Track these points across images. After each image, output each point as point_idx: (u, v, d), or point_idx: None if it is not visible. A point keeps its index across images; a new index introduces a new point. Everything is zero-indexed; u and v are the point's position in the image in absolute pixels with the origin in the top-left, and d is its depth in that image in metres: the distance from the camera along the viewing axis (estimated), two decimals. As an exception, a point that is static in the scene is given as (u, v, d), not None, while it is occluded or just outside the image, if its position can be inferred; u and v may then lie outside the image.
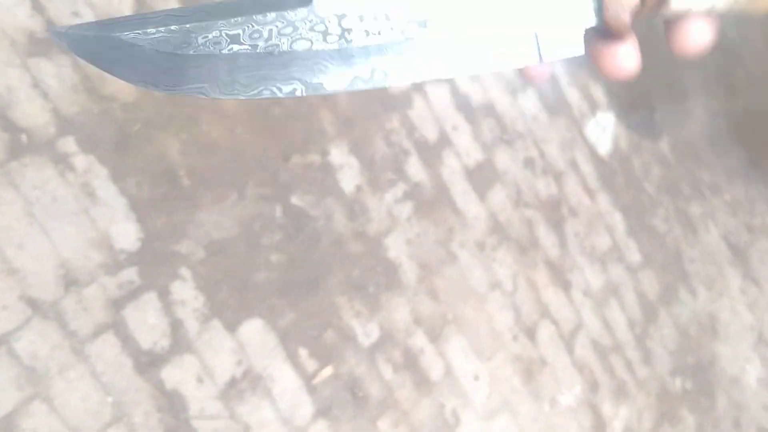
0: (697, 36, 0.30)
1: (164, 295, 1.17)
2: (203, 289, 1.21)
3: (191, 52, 0.30)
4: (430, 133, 1.50)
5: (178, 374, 1.18)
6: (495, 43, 0.30)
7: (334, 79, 0.30)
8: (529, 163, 1.66)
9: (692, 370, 1.88)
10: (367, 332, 1.39)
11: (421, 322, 1.46)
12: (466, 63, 0.30)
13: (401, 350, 1.43)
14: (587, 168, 1.76)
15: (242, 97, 0.31)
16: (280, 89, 0.30)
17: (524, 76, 0.33)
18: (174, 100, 1.19)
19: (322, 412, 1.31)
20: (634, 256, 1.82)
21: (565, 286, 1.69)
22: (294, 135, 1.32)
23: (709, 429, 1.88)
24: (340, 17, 0.30)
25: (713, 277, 1.97)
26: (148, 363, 1.15)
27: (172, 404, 1.17)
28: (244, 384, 1.23)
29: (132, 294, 1.14)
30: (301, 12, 0.30)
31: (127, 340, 1.13)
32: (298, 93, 0.30)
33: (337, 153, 1.37)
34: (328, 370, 1.33)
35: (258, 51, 0.30)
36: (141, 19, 0.31)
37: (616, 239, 1.80)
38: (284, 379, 1.28)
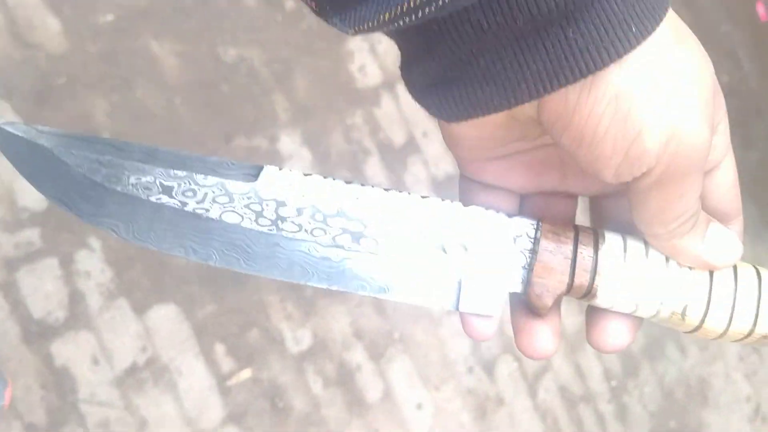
0: (615, 336, 0.30)
1: (67, 263, 1.08)
2: (113, 263, 1.11)
3: (119, 189, 0.29)
4: (397, 136, 1.40)
5: (70, 351, 1.07)
6: (419, 277, 0.30)
7: (252, 261, 0.30)
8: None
9: (676, 436, 1.70)
10: (297, 338, 1.27)
11: (361, 336, 1.33)
12: (383, 287, 0.30)
13: (335, 364, 1.30)
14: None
15: (152, 247, 0.30)
16: (195, 252, 0.30)
17: (466, 329, 0.31)
18: (109, 60, 1.12)
19: (234, 417, 1.19)
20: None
21: (535, 322, 1.54)
22: (241, 115, 1.24)
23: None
24: (279, 203, 0.30)
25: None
26: (37, 333, 1.05)
27: (59, 383, 1.06)
28: (146, 373, 1.12)
29: (29, 256, 1.05)
30: (243, 187, 0.30)
31: (16, 305, 1.04)
32: (211, 262, 0.30)
33: (287, 141, 1.28)
34: (246, 373, 1.21)
35: (185, 209, 0.29)
36: (83, 141, 0.29)
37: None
38: (194, 375, 1.16)
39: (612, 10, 0.22)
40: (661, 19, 0.23)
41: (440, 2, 0.21)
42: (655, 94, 0.23)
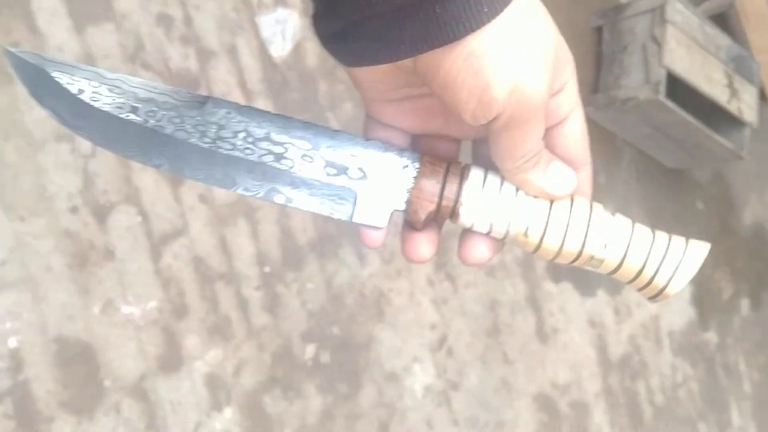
0: (476, 251, 0.38)
1: None
2: None
3: (97, 106, 0.36)
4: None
5: None
6: (324, 192, 0.37)
7: (194, 170, 0.37)
8: (164, 19, 1.37)
9: (336, 345, 1.54)
10: None
11: None
12: (291, 198, 0.37)
13: None
14: (251, 63, 1.48)
15: (119, 154, 0.37)
16: (150, 159, 0.37)
17: (362, 238, 0.39)
18: None
19: None
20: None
21: (176, 180, 1.36)
22: None
23: (339, 420, 1.52)
24: (219, 127, 0.36)
25: (394, 249, 1.67)
26: None
27: None
28: None
29: None
30: (192, 111, 0.36)
31: None
32: (162, 169, 0.37)
33: None
34: None
35: (147, 125, 0.36)
36: (74, 67, 0.37)
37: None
38: None
39: None
40: (509, 2, 0.29)
41: None
42: (502, 55, 0.30)
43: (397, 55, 0.31)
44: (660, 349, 2.29)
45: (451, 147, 0.40)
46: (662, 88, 1.98)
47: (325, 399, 1.50)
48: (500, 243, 0.38)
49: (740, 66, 2.23)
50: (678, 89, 2.51)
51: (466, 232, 0.38)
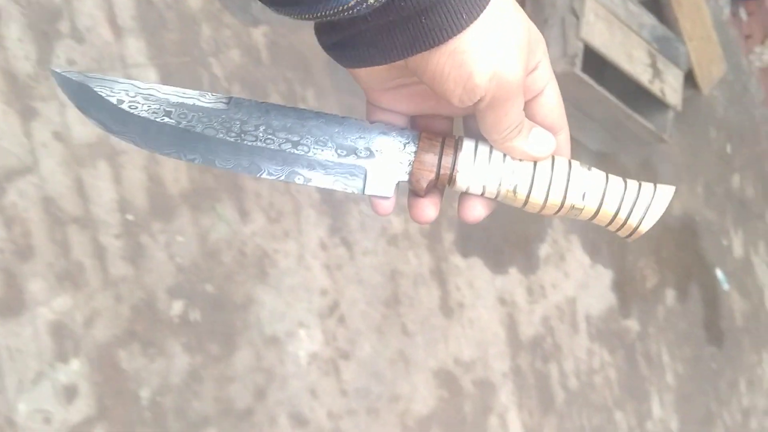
0: (472, 210, 0.43)
1: None
2: None
3: (135, 113, 0.41)
4: None
5: None
6: (338, 170, 0.42)
7: (223, 161, 0.42)
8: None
9: (208, 303, 1.45)
10: None
11: None
12: (309, 178, 0.42)
13: None
14: (121, -2, 1.39)
15: (157, 153, 0.42)
16: (185, 155, 0.42)
17: (374, 208, 0.44)
18: None
19: None
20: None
21: (28, 114, 1.26)
22: None
23: (209, 382, 1.43)
24: (243, 122, 0.42)
25: (282, 209, 1.58)
26: None
27: None
28: None
29: None
30: (218, 110, 0.42)
31: None
32: (196, 162, 0.42)
33: None
34: None
35: (180, 126, 0.41)
36: (113, 81, 0.42)
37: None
38: None
39: (451, 5, 0.33)
40: (484, 7, 0.34)
41: (345, 14, 0.33)
42: (480, 48, 0.35)
43: (390, 58, 0.36)
44: (576, 332, 2.23)
45: (445, 123, 0.45)
46: (578, 61, 1.93)
47: (193, 359, 1.41)
48: (493, 201, 0.43)
49: (665, 47, 2.19)
50: (606, 72, 2.46)
51: (464, 195, 0.43)
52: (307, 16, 0.34)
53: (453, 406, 1.86)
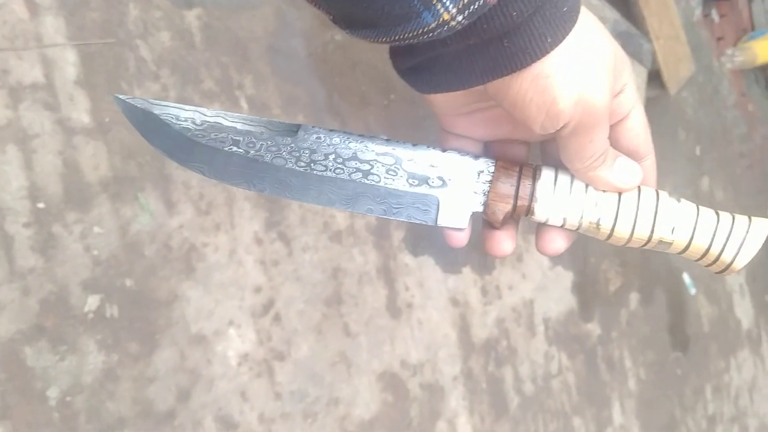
0: (552, 243, 0.41)
1: None
2: None
3: (203, 142, 0.40)
4: None
5: None
6: (410, 201, 0.40)
7: (293, 191, 0.40)
8: None
9: (127, 299, 1.36)
10: None
11: None
12: (385, 210, 0.40)
13: None
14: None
15: (226, 183, 0.40)
16: (254, 185, 0.40)
17: (447, 239, 0.41)
18: None
19: None
20: (82, 117, 1.34)
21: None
22: None
23: (126, 381, 1.34)
24: (311, 151, 0.40)
25: (213, 200, 1.50)
26: None
27: None
28: None
29: None
30: (287, 139, 0.40)
31: None
32: (265, 193, 0.40)
33: None
34: None
35: (248, 156, 0.39)
36: (178, 108, 0.40)
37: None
38: None
39: (535, 27, 0.31)
40: (570, 30, 0.32)
41: (424, 37, 0.30)
42: (565, 73, 0.32)
43: (469, 83, 0.34)
44: (533, 335, 2.16)
45: (521, 149, 0.42)
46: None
47: (109, 357, 1.32)
48: (574, 233, 0.41)
49: (627, 42, 2.12)
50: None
51: (542, 226, 0.41)
52: (384, 39, 0.31)
53: (398, 411, 1.78)
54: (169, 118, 0.40)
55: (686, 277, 2.75)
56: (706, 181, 3.00)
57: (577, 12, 0.33)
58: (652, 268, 2.66)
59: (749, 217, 0.39)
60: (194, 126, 0.40)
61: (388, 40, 0.32)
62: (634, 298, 2.56)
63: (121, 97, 0.40)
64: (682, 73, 2.52)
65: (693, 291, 2.74)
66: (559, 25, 0.32)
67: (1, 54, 1.23)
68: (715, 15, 3.02)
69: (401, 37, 0.31)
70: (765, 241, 0.39)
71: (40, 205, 1.27)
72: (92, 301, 1.31)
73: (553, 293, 2.24)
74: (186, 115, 0.40)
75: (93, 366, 1.30)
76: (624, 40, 2.12)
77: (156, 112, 0.40)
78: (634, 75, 1.97)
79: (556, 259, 2.27)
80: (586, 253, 2.40)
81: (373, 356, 1.74)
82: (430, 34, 0.31)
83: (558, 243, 0.41)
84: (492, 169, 0.40)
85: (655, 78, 2.44)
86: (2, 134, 1.23)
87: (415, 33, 0.31)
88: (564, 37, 0.32)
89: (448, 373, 1.90)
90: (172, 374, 1.40)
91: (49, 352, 1.25)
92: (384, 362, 1.76)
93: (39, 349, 1.24)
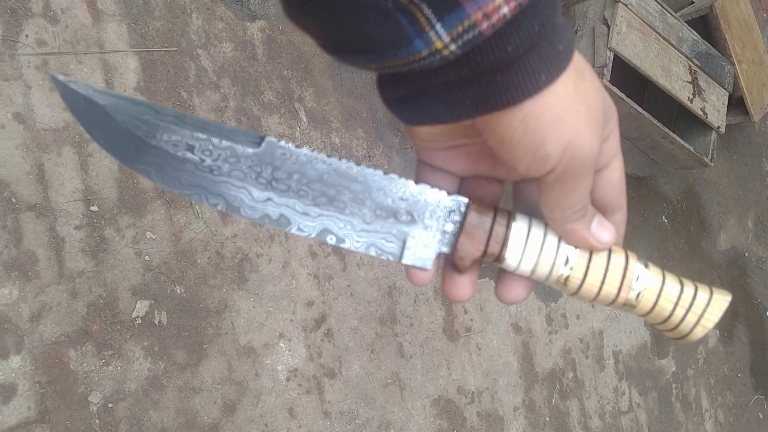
0: (514, 291, 0.37)
1: None
2: None
3: (153, 143, 0.34)
4: None
5: None
6: (374, 235, 0.36)
7: (250, 210, 0.34)
8: None
9: (177, 306, 1.28)
10: None
11: None
12: (343, 239, 0.35)
13: None
14: (104, -18, 1.27)
15: (175, 191, 0.34)
16: (207, 198, 0.34)
17: (409, 278, 0.37)
18: None
19: None
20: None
21: (-10, 93, 1.14)
22: None
23: (171, 391, 1.25)
24: (274, 168, 0.34)
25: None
26: None
27: None
28: None
29: None
30: (248, 151, 0.34)
31: None
32: (219, 207, 0.34)
33: None
34: None
35: (204, 164, 0.34)
36: (128, 101, 0.34)
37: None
38: None
39: (530, 63, 0.28)
40: (564, 69, 0.29)
41: (415, 65, 0.28)
42: (557, 115, 0.30)
43: (457, 116, 0.31)
44: (601, 368, 1.95)
45: (496, 188, 0.39)
46: (607, 72, 1.70)
47: (155, 365, 1.24)
48: (535, 283, 0.38)
49: (707, 64, 1.93)
50: (648, 93, 2.21)
51: (506, 273, 0.38)
52: (373, 65, 0.29)
53: (453, 439, 1.62)
54: (115, 111, 0.34)
55: (770, 315, 2.46)
56: (793, 215, 2.70)
57: (572, 52, 0.30)
58: (732, 304, 2.39)
59: (711, 290, 0.37)
60: (144, 124, 0.34)
61: (376, 66, 0.29)
62: (712, 334, 2.30)
63: (60, 78, 0.34)
64: (766, 99, 2.28)
65: (778, 330, 2.45)
66: (554, 63, 0.29)
67: (61, 57, 1.19)
68: (803, 42, 2.75)
69: (391, 64, 0.28)
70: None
71: (94, 209, 1.21)
72: (141, 307, 1.24)
73: (625, 325, 2.03)
74: (137, 110, 0.34)
75: (138, 373, 1.22)
76: (704, 61, 1.93)
77: (101, 102, 0.34)
78: (714, 97, 1.77)
79: (627, 289, 2.06)
80: (661, 284, 2.18)
81: (427, 380, 1.60)
82: (421, 62, 0.28)
83: (520, 292, 0.37)
84: (464, 209, 0.36)
85: (738, 104, 2.22)
86: (59, 137, 1.19)
87: (405, 60, 0.28)
88: (558, 76, 0.29)
89: (509, 402, 1.73)
90: (218, 386, 1.30)
91: (93, 356, 1.18)
92: (439, 387, 1.62)
93: (83, 352, 1.17)
